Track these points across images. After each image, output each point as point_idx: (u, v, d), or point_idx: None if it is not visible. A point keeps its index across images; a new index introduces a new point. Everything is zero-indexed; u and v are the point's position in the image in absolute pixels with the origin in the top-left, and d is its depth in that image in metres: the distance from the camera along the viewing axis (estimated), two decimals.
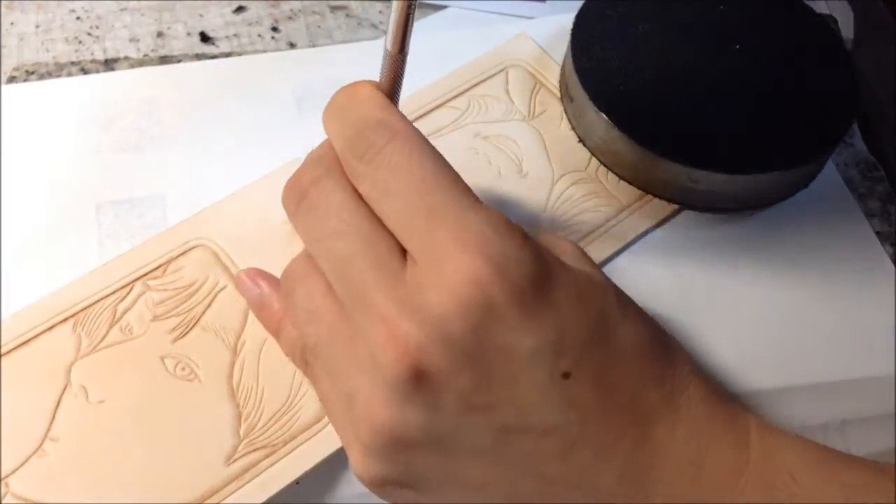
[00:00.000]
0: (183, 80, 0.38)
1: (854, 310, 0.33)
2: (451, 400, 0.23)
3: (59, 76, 0.39)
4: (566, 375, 0.23)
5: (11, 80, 0.39)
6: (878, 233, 0.36)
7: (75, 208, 0.34)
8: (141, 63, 0.40)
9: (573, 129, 0.37)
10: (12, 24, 0.41)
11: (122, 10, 0.42)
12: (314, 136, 0.36)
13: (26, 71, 0.39)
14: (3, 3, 0.42)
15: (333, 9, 0.43)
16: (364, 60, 0.39)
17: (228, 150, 0.36)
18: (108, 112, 0.37)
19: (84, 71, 0.39)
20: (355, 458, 0.25)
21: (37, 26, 0.41)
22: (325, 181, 0.25)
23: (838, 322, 0.33)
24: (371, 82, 0.26)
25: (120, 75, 0.38)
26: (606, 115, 0.34)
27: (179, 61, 0.40)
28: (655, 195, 0.35)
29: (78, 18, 0.42)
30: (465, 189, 0.24)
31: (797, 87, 0.35)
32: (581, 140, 0.36)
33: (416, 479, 0.24)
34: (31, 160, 0.35)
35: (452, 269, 0.22)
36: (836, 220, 0.36)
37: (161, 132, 0.36)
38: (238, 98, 0.37)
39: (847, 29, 0.42)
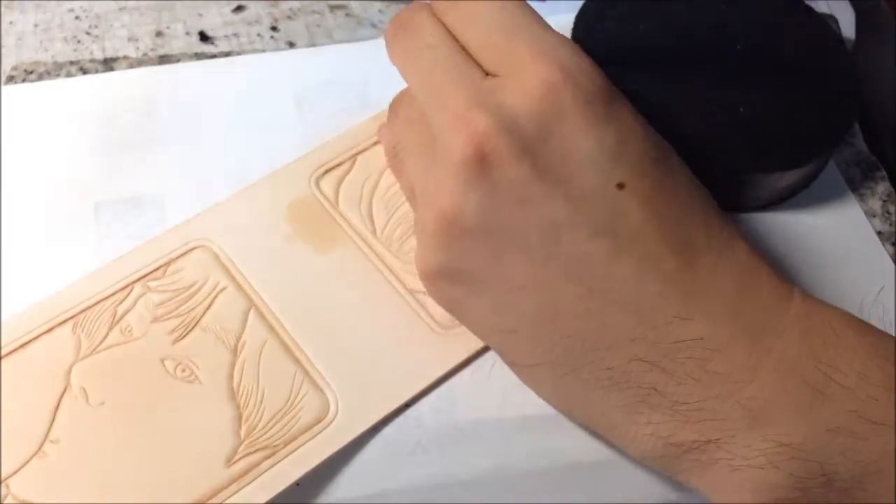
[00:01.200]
0: (182, 80, 0.38)
1: (854, 310, 0.33)
2: (508, 187, 0.25)
3: (57, 75, 0.39)
4: (620, 186, 0.25)
5: (10, 79, 0.39)
6: (878, 233, 0.36)
7: (74, 208, 0.34)
8: (140, 62, 0.39)
9: None
10: (11, 23, 0.41)
11: (120, 9, 0.42)
12: (314, 136, 0.36)
13: (25, 70, 0.39)
14: (2, 2, 0.42)
15: (333, 8, 0.43)
16: (364, 60, 0.39)
17: (228, 150, 0.36)
18: (107, 112, 0.37)
19: (83, 70, 0.39)
20: (420, 252, 0.28)
21: (35, 25, 0.41)
22: (418, 12, 0.29)
23: None
24: None
25: (119, 75, 0.38)
26: None
27: (178, 60, 0.40)
28: None
29: (77, 18, 0.41)
30: (541, 17, 0.27)
31: (799, 87, 0.35)
32: None
33: (465, 272, 0.26)
34: (31, 160, 0.35)
35: (527, 74, 0.25)
36: (837, 220, 0.36)
37: (160, 132, 0.36)
38: (237, 98, 0.37)
39: (848, 29, 0.42)
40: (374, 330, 0.31)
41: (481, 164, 0.24)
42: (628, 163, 0.25)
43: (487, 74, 0.26)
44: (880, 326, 0.26)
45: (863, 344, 0.24)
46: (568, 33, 0.36)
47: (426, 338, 0.30)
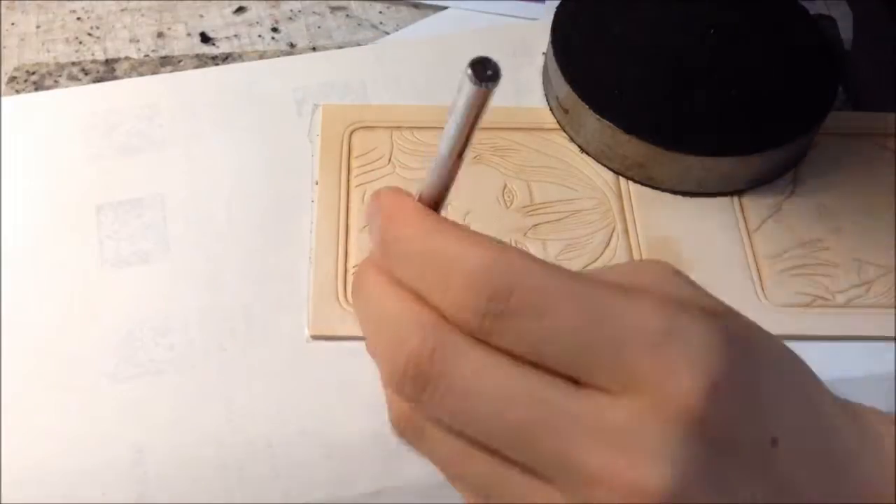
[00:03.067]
0: (183, 86, 0.38)
1: None
2: None
3: (59, 76, 0.39)
4: (775, 442, 0.21)
5: (12, 80, 0.39)
6: None
7: (76, 209, 0.34)
8: (141, 63, 0.40)
9: (572, 140, 0.37)
10: (13, 24, 0.41)
11: (122, 10, 0.42)
12: (314, 136, 0.37)
13: (27, 71, 0.39)
14: (3, 3, 0.42)
15: (333, 9, 0.43)
16: (362, 63, 0.39)
17: (228, 153, 0.36)
18: (109, 118, 0.37)
19: (84, 71, 0.39)
20: None
21: (37, 27, 0.41)
22: (447, 354, 0.20)
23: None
24: (415, 206, 0.22)
25: (121, 84, 0.38)
26: (610, 121, 0.34)
27: (180, 62, 0.40)
28: (666, 190, 0.35)
29: (78, 19, 0.42)
30: (612, 285, 0.21)
31: (780, 67, 0.36)
32: (584, 150, 0.37)
33: None
34: (34, 164, 0.35)
35: (670, 398, 0.19)
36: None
37: (161, 136, 0.36)
38: (237, 101, 0.38)
39: (846, 29, 0.42)
40: None
41: None
42: (771, 416, 0.21)
43: (579, 385, 0.20)
44: None
45: None
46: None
47: None
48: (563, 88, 0.36)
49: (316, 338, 0.32)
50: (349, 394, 0.31)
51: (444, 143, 0.21)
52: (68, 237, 0.34)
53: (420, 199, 0.22)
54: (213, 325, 0.32)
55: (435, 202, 0.22)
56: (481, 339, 0.20)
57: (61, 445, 0.29)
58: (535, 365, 0.20)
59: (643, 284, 0.22)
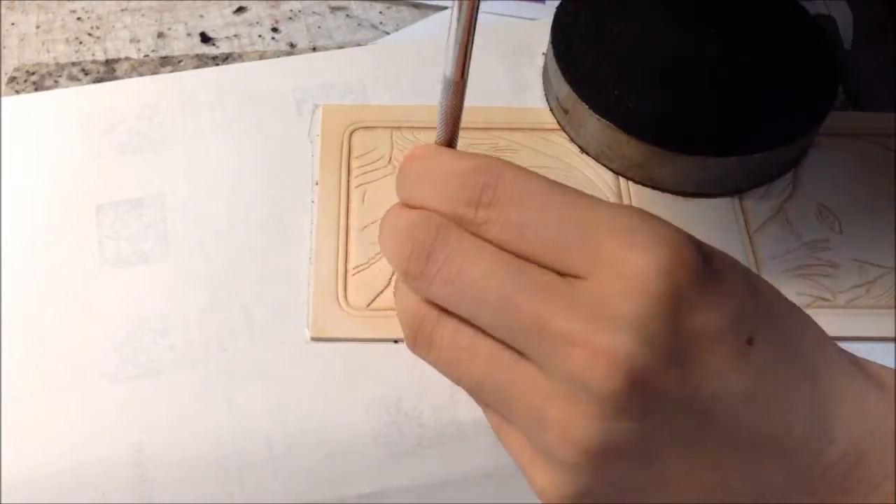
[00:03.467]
0: (183, 86, 0.38)
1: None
2: (663, 399, 0.22)
3: (59, 77, 0.39)
4: (750, 341, 0.23)
5: (12, 80, 0.39)
6: None
7: (76, 209, 0.34)
8: (141, 63, 0.40)
9: (572, 140, 0.37)
10: (13, 24, 0.41)
11: (122, 10, 0.42)
12: (314, 137, 0.37)
13: (27, 71, 0.39)
14: (3, 3, 0.42)
15: (333, 9, 0.43)
16: (362, 63, 0.39)
17: (228, 153, 0.36)
18: (109, 118, 0.37)
19: (85, 72, 0.39)
20: (543, 479, 0.24)
21: (37, 27, 0.41)
22: (446, 236, 0.24)
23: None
24: (429, 145, 0.26)
25: (121, 84, 0.38)
26: (610, 121, 0.34)
27: (180, 62, 0.40)
28: (666, 191, 0.36)
29: (79, 19, 0.42)
30: (588, 195, 0.24)
31: (780, 67, 0.36)
32: (584, 150, 0.37)
33: (617, 488, 0.24)
34: (34, 164, 0.35)
35: (633, 270, 0.22)
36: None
37: (161, 136, 0.36)
38: (237, 101, 0.38)
39: (846, 29, 0.42)
40: None
41: (636, 389, 0.22)
42: (748, 314, 0.24)
43: (563, 276, 0.23)
44: None
45: None
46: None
47: None
48: (563, 88, 0.36)
49: (316, 339, 0.32)
50: (349, 394, 0.31)
51: (447, 65, 0.24)
52: (68, 237, 0.34)
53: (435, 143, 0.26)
54: (213, 325, 0.32)
55: (447, 141, 0.26)
56: (474, 233, 0.24)
57: (61, 445, 0.29)
58: (519, 256, 0.23)
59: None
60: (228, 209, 0.35)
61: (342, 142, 0.36)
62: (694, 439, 0.24)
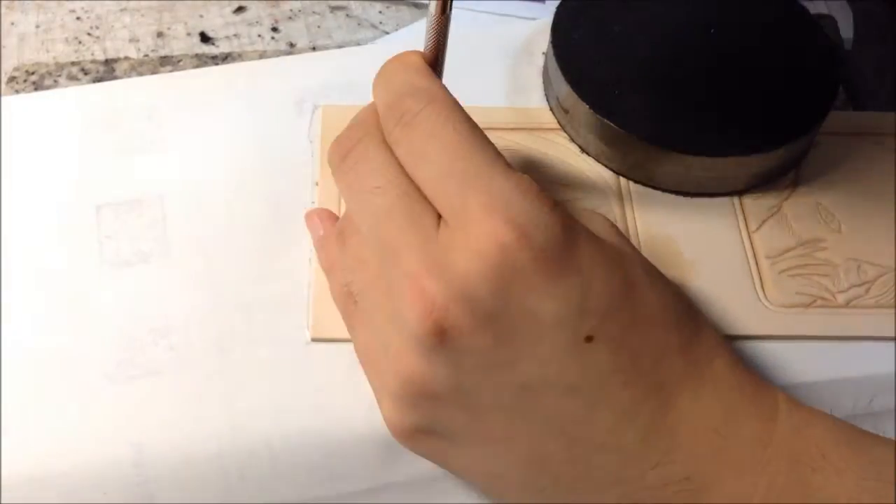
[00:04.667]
0: (183, 86, 0.38)
1: None
2: (473, 357, 0.24)
3: (59, 76, 0.39)
4: (589, 339, 0.24)
5: (11, 80, 0.39)
6: None
7: (76, 209, 0.34)
8: (141, 63, 0.40)
9: (572, 140, 0.37)
10: (12, 24, 0.41)
11: (122, 10, 0.42)
12: (314, 137, 0.36)
13: (26, 71, 0.39)
14: (3, 3, 0.42)
15: (333, 9, 0.43)
16: (362, 63, 0.39)
17: (227, 153, 0.36)
18: (109, 117, 0.37)
19: (84, 71, 0.39)
20: (385, 407, 0.26)
21: (37, 26, 0.41)
22: (367, 141, 0.27)
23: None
24: (417, 52, 0.28)
25: (121, 84, 0.38)
26: (611, 121, 0.34)
27: (179, 61, 0.40)
28: (667, 190, 0.36)
29: (78, 19, 0.42)
30: (497, 155, 0.25)
31: (779, 66, 0.36)
32: (584, 150, 0.37)
33: (442, 429, 0.25)
34: (34, 164, 0.35)
35: (479, 232, 0.23)
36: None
37: (161, 135, 0.36)
38: (237, 101, 0.38)
39: (847, 29, 0.42)
40: None
41: (441, 337, 0.23)
42: (594, 314, 0.24)
43: (440, 218, 0.25)
44: None
45: (853, 466, 0.23)
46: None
47: None
48: (563, 88, 0.36)
49: (317, 340, 0.32)
50: (349, 394, 0.31)
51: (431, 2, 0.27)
52: (68, 237, 0.34)
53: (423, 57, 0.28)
54: (213, 325, 0.32)
55: (433, 60, 0.28)
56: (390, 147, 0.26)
57: (61, 445, 0.29)
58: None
59: (585, 216, 0.28)
60: (228, 209, 0.35)
61: None
62: (513, 408, 0.24)
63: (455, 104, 0.26)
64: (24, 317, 0.32)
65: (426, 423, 0.25)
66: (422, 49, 0.28)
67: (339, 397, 0.31)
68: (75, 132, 0.36)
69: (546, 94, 0.38)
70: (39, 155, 0.36)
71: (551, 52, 0.37)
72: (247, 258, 0.33)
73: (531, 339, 0.24)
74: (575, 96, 0.35)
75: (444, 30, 0.27)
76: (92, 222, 0.34)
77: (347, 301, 0.29)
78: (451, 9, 0.27)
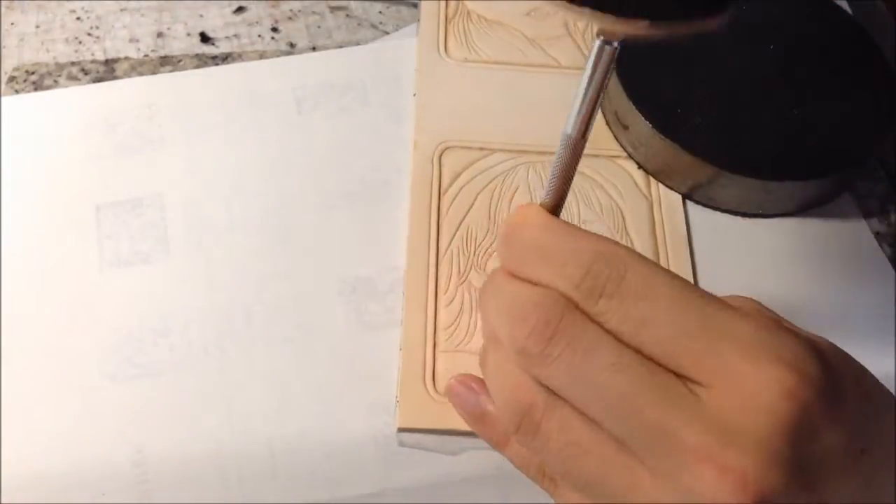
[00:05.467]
0: (183, 86, 0.38)
1: (853, 310, 0.33)
2: None
3: (59, 76, 0.39)
4: (863, 451, 0.23)
5: (11, 80, 0.39)
6: (876, 233, 0.36)
7: (76, 209, 0.34)
8: (141, 63, 0.40)
9: (630, 156, 0.37)
10: (13, 24, 0.41)
11: (121, 10, 0.42)
12: (314, 136, 0.37)
13: (26, 71, 0.39)
14: (3, 3, 0.42)
15: (333, 9, 0.43)
16: (362, 63, 0.39)
17: (228, 152, 0.36)
18: (109, 117, 0.37)
19: (84, 71, 0.39)
20: None
21: (37, 27, 0.41)
22: (572, 320, 0.23)
23: (837, 322, 0.33)
24: (535, 209, 0.25)
25: (121, 84, 0.38)
26: (675, 141, 0.34)
27: (179, 61, 0.40)
28: (726, 211, 0.36)
29: (78, 19, 0.42)
30: (712, 295, 0.23)
31: (840, 87, 0.36)
32: (641, 166, 0.36)
33: None
34: (34, 164, 0.35)
35: (757, 388, 0.21)
36: (836, 221, 0.36)
37: (161, 135, 0.36)
38: (237, 101, 0.38)
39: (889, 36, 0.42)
40: None
41: None
42: (867, 427, 0.23)
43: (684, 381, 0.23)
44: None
45: None
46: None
47: None
48: (623, 104, 0.35)
49: (403, 430, 0.30)
50: (349, 394, 0.31)
51: (569, 122, 0.23)
52: (68, 237, 0.34)
53: (541, 205, 0.25)
54: (213, 325, 0.32)
55: (554, 205, 0.25)
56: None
57: (61, 445, 0.29)
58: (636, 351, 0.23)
59: (736, 304, 0.24)
60: (228, 209, 0.35)
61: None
62: None
63: (642, 256, 0.24)
64: (23, 317, 0.32)
65: None
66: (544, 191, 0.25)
67: (338, 398, 0.31)
68: (75, 132, 0.36)
69: (603, 109, 0.38)
70: (39, 155, 0.36)
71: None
72: (247, 258, 0.33)
73: (828, 476, 0.22)
74: (636, 113, 0.35)
75: (576, 160, 0.24)
76: (91, 222, 0.34)
77: (552, 477, 0.26)
78: (590, 133, 0.23)
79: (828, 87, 0.36)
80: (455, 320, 0.32)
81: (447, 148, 0.36)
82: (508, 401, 0.25)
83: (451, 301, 0.32)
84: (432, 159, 0.35)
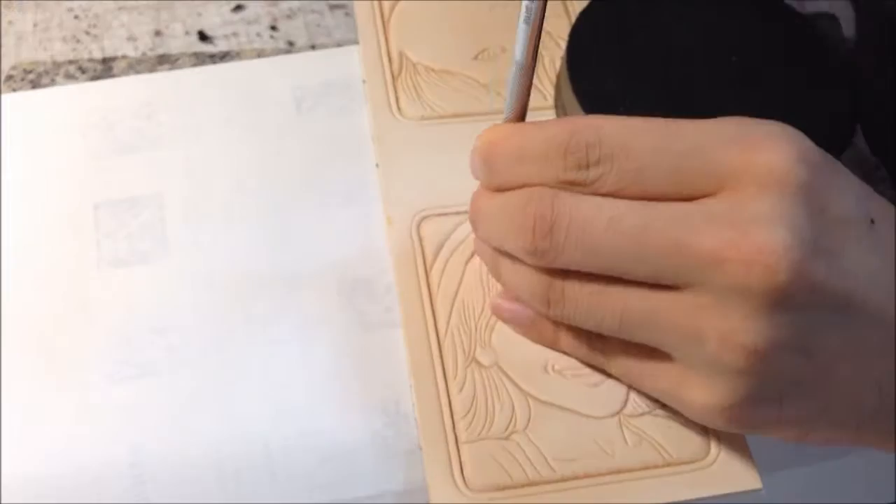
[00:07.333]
0: (181, 85, 0.38)
1: None
2: (817, 287, 0.23)
3: (56, 75, 0.39)
4: (872, 220, 0.24)
5: (9, 78, 0.39)
6: None
7: (74, 208, 0.34)
8: (139, 62, 0.39)
9: None
10: (10, 22, 0.41)
11: (119, 8, 0.42)
12: (314, 136, 0.36)
13: (24, 70, 0.39)
14: (1, 1, 0.42)
15: (332, 7, 0.42)
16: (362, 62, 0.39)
17: (226, 151, 0.36)
18: (107, 116, 0.37)
19: (82, 70, 0.39)
20: (708, 394, 0.24)
21: (35, 25, 0.41)
22: (563, 203, 0.24)
23: None
24: (501, 125, 0.27)
25: (118, 82, 0.38)
26: None
27: (177, 60, 0.40)
28: None
29: (76, 17, 0.41)
30: (683, 119, 0.24)
31: (798, 97, 0.35)
32: None
33: (779, 387, 0.24)
34: (31, 163, 0.35)
35: (765, 169, 0.22)
36: None
37: (159, 134, 0.36)
38: (236, 100, 0.37)
39: (848, 28, 0.42)
40: None
41: (794, 282, 0.22)
42: (869, 197, 0.25)
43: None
44: None
45: None
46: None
47: None
48: (570, 98, 0.35)
49: None
50: (347, 396, 0.31)
51: (518, 50, 0.25)
52: (66, 236, 0.33)
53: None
54: (211, 325, 0.32)
55: (517, 120, 0.26)
56: (591, 192, 0.24)
57: (60, 446, 0.29)
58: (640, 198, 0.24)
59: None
60: (227, 209, 0.34)
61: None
62: (844, 325, 0.24)
63: (601, 115, 0.25)
64: (20, 316, 0.32)
65: (764, 387, 0.24)
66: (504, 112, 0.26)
67: (336, 399, 0.31)
68: (73, 131, 0.36)
69: (555, 102, 0.38)
70: (36, 154, 0.36)
71: (565, 60, 0.36)
72: (246, 258, 0.33)
73: (843, 242, 0.23)
74: (579, 108, 0.35)
75: (529, 82, 0.26)
76: (90, 221, 0.34)
77: (604, 355, 0.28)
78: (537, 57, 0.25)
79: (781, 86, 0.35)
80: (471, 407, 0.29)
81: (424, 218, 0.33)
82: (532, 294, 0.27)
83: (463, 386, 0.30)
84: (411, 234, 0.33)
